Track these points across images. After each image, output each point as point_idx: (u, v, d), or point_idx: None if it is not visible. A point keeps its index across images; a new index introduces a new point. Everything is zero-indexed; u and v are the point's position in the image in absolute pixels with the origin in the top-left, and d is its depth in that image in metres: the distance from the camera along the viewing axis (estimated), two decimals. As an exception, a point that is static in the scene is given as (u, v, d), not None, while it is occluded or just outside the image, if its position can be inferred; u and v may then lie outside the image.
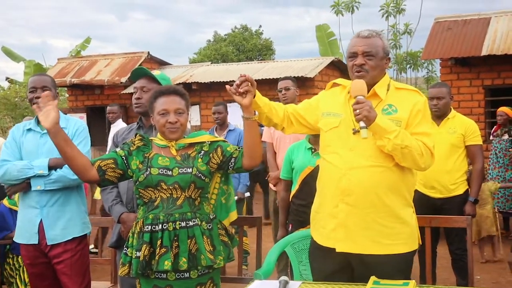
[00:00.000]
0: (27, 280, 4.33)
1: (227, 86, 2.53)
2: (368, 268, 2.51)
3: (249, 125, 2.57)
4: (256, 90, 2.59)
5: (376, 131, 2.42)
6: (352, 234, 2.52)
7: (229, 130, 5.92)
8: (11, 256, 4.61)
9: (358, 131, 2.46)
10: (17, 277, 4.44)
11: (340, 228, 2.55)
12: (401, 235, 2.55)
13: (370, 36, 2.57)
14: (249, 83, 2.50)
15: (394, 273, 2.47)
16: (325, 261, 2.64)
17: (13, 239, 3.58)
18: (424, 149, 2.47)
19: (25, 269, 4.37)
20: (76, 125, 3.43)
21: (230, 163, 2.65)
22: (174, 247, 2.52)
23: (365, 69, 2.54)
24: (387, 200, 2.51)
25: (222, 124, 5.95)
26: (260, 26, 38.62)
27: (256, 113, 2.63)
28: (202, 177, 2.61)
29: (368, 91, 2.52)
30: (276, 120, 2.73)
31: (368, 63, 2.54)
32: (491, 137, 7.41)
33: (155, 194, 2.58)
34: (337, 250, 2.55)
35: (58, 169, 3.30)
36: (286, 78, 5.07)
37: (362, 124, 2.38)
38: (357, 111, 2.38)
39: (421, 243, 2.73)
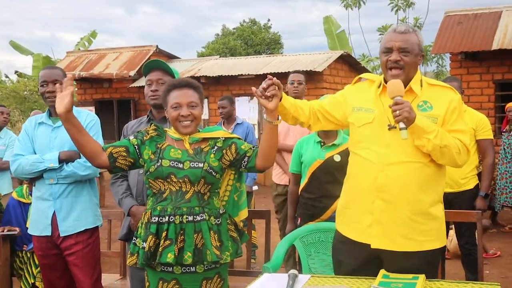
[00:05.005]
0: (35, 272, 4.36)
1: (253, 88, 2.48)
2: (399, 263, 2.48)
3: (270, 129, 2.53)
4: (283, 92, 2.54)
5: (415, 131, 2.39)
6: (388, 231, 2.50)
7: (237, 123, 5.92)
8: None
9: (394, 127, 2.42)
10: (25, 270, 4.47)
11: (376, 224, 2.51)
12: (432, 231, 2.53)
13: (406, 31, 2.50)
14: (276, 87, 2.45)
15: (423, 269, 2.44)
16: (355, 255, 2.61)
17: (28, 231, 3.61)
18: (461, 146, 2.45)
19: (31, 263, 4.40)
20: (88, 118, 3.43)
21: (243, 162, 2.62)
22: (179, 240, 2.52)
23: (401, 65, 2.48)
24: (422, 196, 2.48)
25: (227, 118, 5.96)
26: (269, 20, 38.44)
27: (279, 118, 2.59)
28: (213, 173, 2.59)
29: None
30: (303, 119, 2.69)
31: (404, 59, 2.48)
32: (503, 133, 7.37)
33: (164, 186, 2.58)
34: (372, 247, 2.52)
35: (69, 164, 3.33)
36: (299, 71, 5.08)
37: (402, 125, 2.33)
38: (397, 112, 2.33)
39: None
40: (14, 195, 4.60)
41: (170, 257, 2.48)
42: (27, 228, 4.33)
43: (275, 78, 2.45)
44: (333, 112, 2.72)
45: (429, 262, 2.54)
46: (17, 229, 4.34)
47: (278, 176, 4.95)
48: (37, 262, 4.35)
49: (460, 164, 2.51)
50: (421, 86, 2.56)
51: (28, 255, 4.44)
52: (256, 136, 11.92)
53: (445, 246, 2.67)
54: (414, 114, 2.35)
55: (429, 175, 2.50)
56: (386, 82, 2.52)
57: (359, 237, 2.58)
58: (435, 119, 2.47)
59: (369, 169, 2.52)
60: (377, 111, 2.55)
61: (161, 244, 2.52)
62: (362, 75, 2.79)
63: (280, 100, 2.54)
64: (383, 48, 2.53)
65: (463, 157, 2.48)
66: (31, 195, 4.38)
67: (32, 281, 4.39)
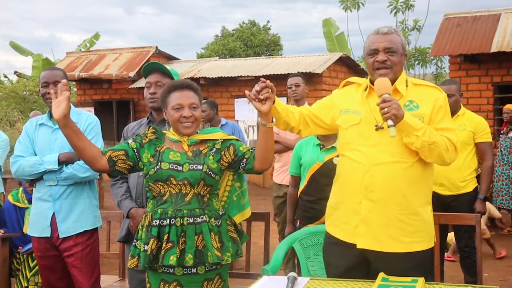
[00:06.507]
0: (29, 276, 4.36)
1: (246, 92, 2.51)
2: (386, 264, 2.49)
3: (265, 132, 2.55)
4: (275, 96, 2.56)
5: (404, 128, 2.41)
6: (374, 231, 2.51)
7: (222, 125, 5.90)
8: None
9: (381, 128, 2.46)
10: (20, 273, 4.47)
11: (362, 224, 2.53)
12: (420, 232, 2.54)
13: (389, 32, 2.56)
14: (269, 90, 2.47)
15: (412, 271, 2.45)
16: (343, 257, 2.63)
17: (27, 232, 3.61)
18: (449, 144, 2.47)
19: (26, 266, 4.40)
20: (88, 120, 3.44)
21: (241, 163, 2.64)
22: (180, 242, 2.53)
23: (388, 65, 2.53)
24: (410, 196, 2.50)
25: (209, 121, 5.93)
26: (268, 22, 38.60)
27: (274, 120, 2.61)
28: (212, 174, 2.61)
29: None
30: (293, 123, 2.72)
31: (390, 59, 2.53)
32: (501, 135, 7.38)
33: (164, 188, 2.59)
34: (357, 247, 2.54)
35: (69, 166, 3.34)
36: (295, 74, 5.05)
37: (390, 122, 2.36)
38: (385, 109, 2.36)
39: (436, 241, 2.71)
40: (10, 198, 4.60)
41: (172, 260, 2.49)
42: (22, 232, 4.34)
43: (268, 81, 2.47)
44: (321, 117, 2.75)
45: (417, 264, 2.53)
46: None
47: (279, 175, 4.92)
48: (31, 265, 4.36)
49: (448, 162, 2.53)
50: (407, 86, 2.60)
51: (24, 257, 4.45)
52: (256, 138, 11.95)
53: (433, 248, 2.67)
54: (402, 112, 2.39)
55: (416, 175, 2.51)
56: (372, 83, 2.55)
57: (346, 237, 2.60)
58: (421, 118, 2.50)
59: (357, 170, 2.54)
60: (364, 113, 2.58)
61: (163, 246, 2.52)
62: (349, 79, 2.81)
63: (274, 103, 2.56)
64: (369, 50, 2.58)
65: (451, 155, 2.50)
66: (27, 200, 4.40)
67: (26, 285, 4.37)
